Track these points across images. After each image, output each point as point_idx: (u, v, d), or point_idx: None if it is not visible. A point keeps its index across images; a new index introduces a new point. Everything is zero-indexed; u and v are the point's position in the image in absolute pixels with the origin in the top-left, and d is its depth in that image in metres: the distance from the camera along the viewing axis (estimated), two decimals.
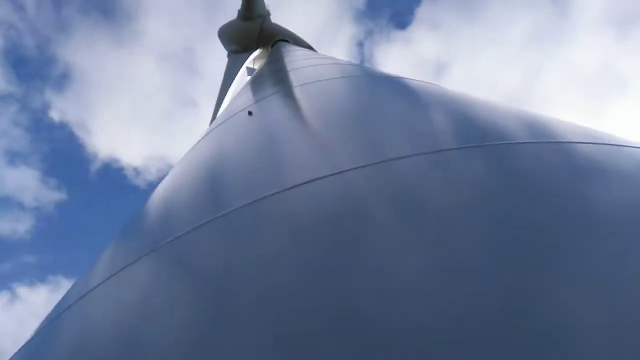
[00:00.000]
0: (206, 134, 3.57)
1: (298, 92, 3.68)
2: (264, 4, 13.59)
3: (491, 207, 1.45)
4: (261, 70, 7.02)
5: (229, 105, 4.66)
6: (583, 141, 2.13)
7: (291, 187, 1.63)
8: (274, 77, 5.08)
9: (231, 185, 2.04)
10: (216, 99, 13.53)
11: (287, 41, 13.47)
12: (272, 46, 13.31)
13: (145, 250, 1.66)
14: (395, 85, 3.51)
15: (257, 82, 5.34)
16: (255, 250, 1.41)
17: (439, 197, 1.52)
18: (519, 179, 1.64)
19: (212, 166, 2.54)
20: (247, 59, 13.43)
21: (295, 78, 4.51)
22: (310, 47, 13.27)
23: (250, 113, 3.18)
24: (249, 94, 4.53)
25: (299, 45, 12.75)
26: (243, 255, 1.41)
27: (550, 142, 2.07)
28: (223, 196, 1.91)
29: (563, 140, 2.14)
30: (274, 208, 1.57)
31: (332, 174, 1.65)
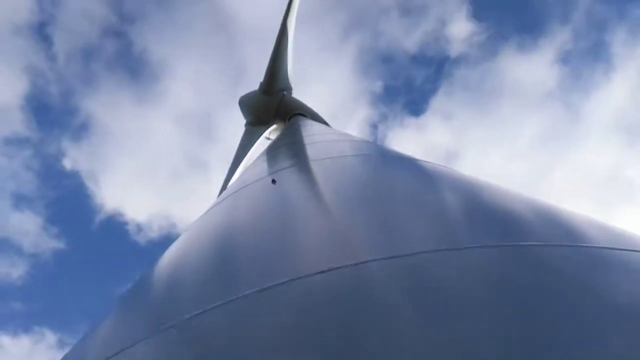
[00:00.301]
0: (219, 202, 3.54)
1: (315, 166, 3.69)
2: (287, 79, 14.04)
3: (510, 309, 1.42)
4: (278, 141, 7.14)
5: (243, 174, 4.68)
6: (606, 246, 2.09)
7: (306, 276, 1.55)
8: (291, 149, 5.14)
9: (243, 268, 1.96)
10: (229, 167, 13.72)
11: (304, 115, 13.84)
12: (289, 119, 13.68)
13: (148, 331, 1.56)
14: (412, 167, 3.52)
15: (273, 153, 5.40)
16: (264, 340, 1.33)
17: (460, 296, 1.47)
18: (540, 282, 1.62)
19: (224, 242, 2.48)
20: (263, 132, 13.73)
21: (312, 152, 4.55)
22: (326, 123, 13.58)
23: (274, 181, 3.18)
24: (264, 165, 4.56)
25: (315, 120, 13.07)
26: (251, 345, 1.33)
27: (571, 245, 2.01)
28: (234, 279, 1.83)
29: (583, 244, 2.08)
30: (287, 297, 1.49)
31: (350, 265, 1.56)
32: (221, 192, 14.43)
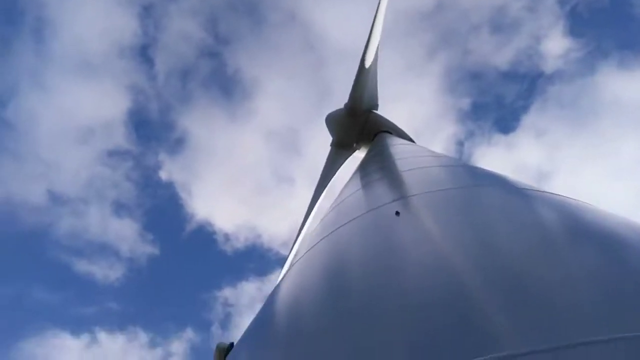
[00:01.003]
0: (324, 235, 3.53)
1: (417, 201, 3.58)
2: (373, 97, 13.99)
3: None
4: (369, 164, 7.08)
5: (341, 204, 4.66)
6: None
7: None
8: (386, 178, 5.06)
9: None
10: (315, 187, 13.90)
11: (390, 132, 13.69)
12: (374, 136, 13.60)
13: None
14: (535, 202, 3.26)
15: (367, 180, 5.35)
16: None
17: None
18: None
19: (337, 282, 2.47)
20: (348, 157, 13.79)
21: (410, 183, 4.43)
22: (411, 140, 13.35)
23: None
24: (362, 196, 4.52)
25: (401, 138, 12.88)
26: None
27: None
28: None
29: None
30: None
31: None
32: (309, 211, 14.66)
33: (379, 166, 6.06)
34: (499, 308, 1.63)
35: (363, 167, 6.97)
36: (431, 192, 3.66)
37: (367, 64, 12.28)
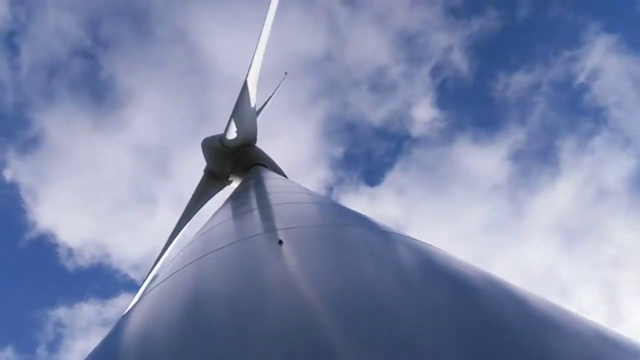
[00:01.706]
0: (187, 262, 3.33)
1: (284, 235, 3.57)
2: (254, 132, 13.97)
3: None
4: (240, 195, 6.97)
5: (207, 233, 4.47)
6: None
7: None
8: (259, 210, 5.01)
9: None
10: (181, 214, 13.32)
11: (264, 166, 13.78)
12: (249, 167, 13.56)
13: None
14: (405, 247, 3.45)
15: (239, 211, 5.24)
16: None
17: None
18: None
19: (196, 310, 2.31)
20: (219, 190, 13.55)
21: (281, 216, 4.43)
22: (285, 176, 13.56)
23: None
24: (231, 225, 4.39)
25: (275, 172, 13.01)
26: None
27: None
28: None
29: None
30: None
31: None
32: (171, 238, 13.92)
33: (251, 197, 5.99)
34: (353, 347, 1.66)
35: (235, 197, 6.83)
36: (302, 226, 3.68)
37: (247, 98, 12.34)
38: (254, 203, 5.44)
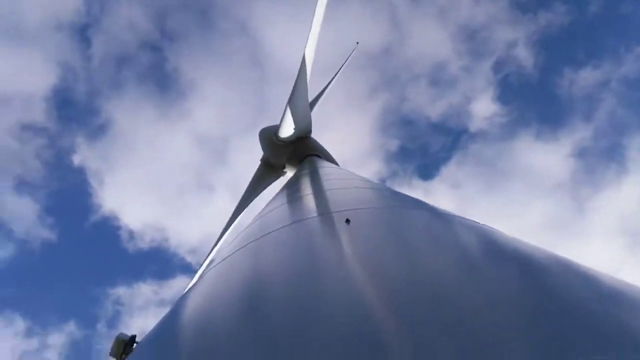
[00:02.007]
0: (242, 245, 3.33)
1: (350, 215, 3.49)
2: (308, 124, 13.93)
3: None
4: (296, 184, 6.97)
5: (264, 217, 4.47)
6: None
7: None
8: (313, 196, 4.97)
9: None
10: (239, 202, 13.60)
11: (319, 156, 13.77)
12: (303, 158, 13.59)
13: None
14: (442, 221, 3.30)
15: (293, 197, 5.22)
16: None
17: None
18: None
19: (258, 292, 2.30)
20: (276, 177, 13.71)
21: (335, 200, 4.37)
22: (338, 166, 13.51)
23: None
24: (286, 210, 4.37)
25: (329, 162, 12.97)
26: None
27: None
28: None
29: None
30: None
31: None
32: (228, 225, 14.23)
33: (307, 184, 5.97)
34: (419, 329, 1.55)
35: (290, 185, 6.84)
36: (359, 209, 3.59)
37: (301, 90, 12.36)
38: (308, 189, 5.41)
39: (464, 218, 3.54)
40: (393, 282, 2.06)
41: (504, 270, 2.32)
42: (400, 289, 1.95)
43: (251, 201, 13.57)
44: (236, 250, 3.16)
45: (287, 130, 13.08)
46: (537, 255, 2.61)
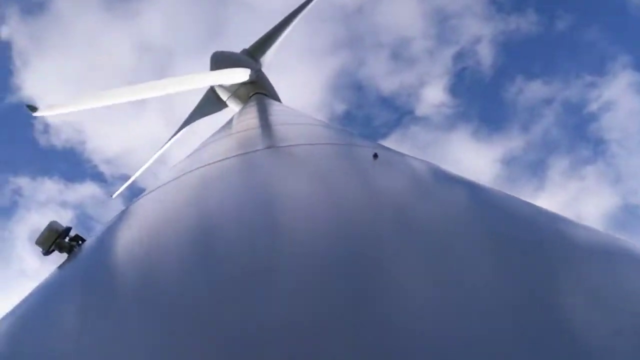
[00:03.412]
0: (187, 170, 3.09)
1: (291, 151, 3.31)
2: (266, 57, 13.78)
3: None
4: (245, 117, 6.65)
5: (211, 144, 4.19)
6: None
7: None
8: (264, 130, 4.73)
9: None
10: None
11: (265, 95, 13.38)
12: (250, 96, 13.17)
13: None
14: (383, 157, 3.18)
15: (244, 129, 4.95)
16: None
17: None
18: None
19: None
20: (222, 109, 13.32)
21: (287, 135, 4.16)
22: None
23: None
24: (233, 141, 4.13)
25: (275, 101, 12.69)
26: None
27: None
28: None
29: None
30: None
31: None
32: (169, 140, 13.75)
33: (256, 118, 5.69)
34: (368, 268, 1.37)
35: (237, 117, 6.52)
36: (311, 144, 3.41)
37: (286, 24, 12.43)
38: (258, 121, 5.15)
39: (434, 164, 3.44)
40: (352, 218, 1.88)
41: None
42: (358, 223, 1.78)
43: (192, 122, 13.15)
44: (180, 176, 2.91)
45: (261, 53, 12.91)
46: (522, 208, 2.44)
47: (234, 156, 3.23)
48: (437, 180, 2.74)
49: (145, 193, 3.09)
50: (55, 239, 2.60)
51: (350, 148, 3.44)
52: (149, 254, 1.81)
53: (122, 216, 2.79)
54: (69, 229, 2.68)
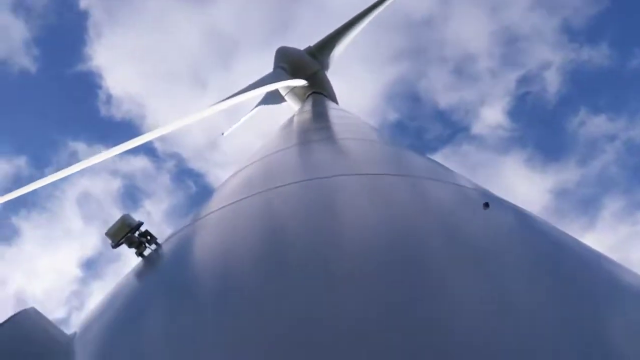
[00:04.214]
0: (246, 186, 3.06)
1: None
2: (330, 59, 14.04)
3: None
4: (306, 119, 6.58)
5: (275, 148, 4.17)
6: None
7: None
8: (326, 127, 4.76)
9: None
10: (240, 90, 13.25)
11: (323, 94, 13.31)
12: (309, 94, 13.13)
13: None
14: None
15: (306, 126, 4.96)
16: None
17: None
18: None
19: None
20: (287, 81, 13.32)
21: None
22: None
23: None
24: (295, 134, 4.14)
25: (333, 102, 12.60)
26: None
27: None
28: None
29: None
30: None
31: None
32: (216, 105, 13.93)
33: (319, 127, 5.56)
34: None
35: (301, 124, 6.41)
36: (382, 174, 3.20)
37: (353, 26, 12.65)
38: (321, 134, 4.99)
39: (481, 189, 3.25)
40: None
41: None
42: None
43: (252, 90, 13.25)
44: (242, 199, 2.79)
45: (324, 51, 13.20)
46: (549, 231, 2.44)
47: (298, 182, 3.08)
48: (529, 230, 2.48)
49: (217, 201, 3.07)
50: (126, 233, 2.60)
51: (421, 181, 3.21)
52: (228, 266, 1.92)
53: (197, 222, 2.79)
54: (140, 224, 2.68)
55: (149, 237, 2.69)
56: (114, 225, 2.60)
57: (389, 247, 1.79)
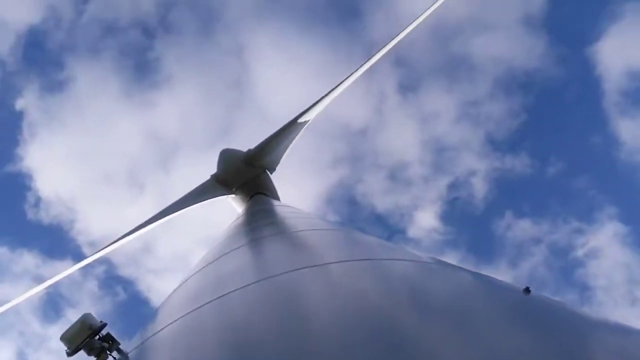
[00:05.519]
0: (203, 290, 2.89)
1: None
2: (277, 162, 14.05)
3: None
4: (255, 213, 6.52)
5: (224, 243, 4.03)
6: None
7: None
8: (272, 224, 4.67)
9: None
10: (173, 203, 12.87)
11: (266, 195, 13.37)
12: (251, 196, 13.15)
13: None
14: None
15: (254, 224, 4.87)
16: None
17: None
18: None
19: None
20: (220, 195, 13.22)
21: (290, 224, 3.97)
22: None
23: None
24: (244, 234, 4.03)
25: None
26: None
27: None
28: None
29: None
30: None
31: None
32: (144, 224, 13.24)
33: (270, 222, 5.51)
34: None
35: (248, 224, 6.32)
36: (345, 261, 3.15)
37: (289, 131, 12.91)
38: (272, 228, 4.95)
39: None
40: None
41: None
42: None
43: (185, 207, 12.87)
44: (203, 305, 2.60)
45: (262, 157, 13.21)
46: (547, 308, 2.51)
47: (255, 282, 2.95)
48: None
49: (176, 309, 2.87)
50: (87, 337, 2.22)
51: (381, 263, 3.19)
52: None
53: (161, 332, 2.54)
54: (103, 326, 2.30)
55: (110, 342, 2.31)
56: (71, 327, 2.22)
57: (366, 338, 1.73)
